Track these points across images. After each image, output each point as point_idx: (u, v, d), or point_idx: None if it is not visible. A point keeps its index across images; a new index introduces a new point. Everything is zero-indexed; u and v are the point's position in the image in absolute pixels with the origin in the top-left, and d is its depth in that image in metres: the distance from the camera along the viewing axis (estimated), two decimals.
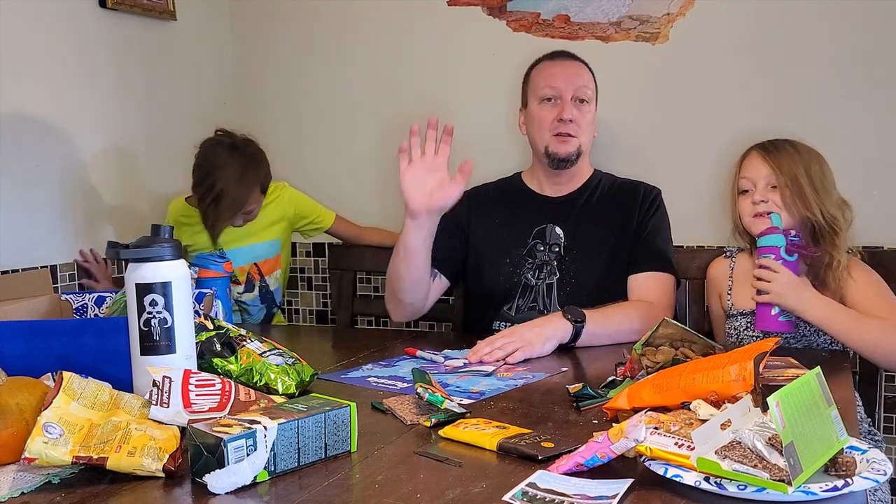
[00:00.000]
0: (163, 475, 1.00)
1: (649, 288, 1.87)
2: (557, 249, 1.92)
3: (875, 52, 2.15)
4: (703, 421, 0.99)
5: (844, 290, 1.78)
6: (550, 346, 1.67)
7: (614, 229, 1.93)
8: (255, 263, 2.34)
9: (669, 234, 2.00)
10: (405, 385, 1.42)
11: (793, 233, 1.73)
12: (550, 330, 1.68)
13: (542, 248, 1.93)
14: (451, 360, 1.63)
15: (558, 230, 1.95)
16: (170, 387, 1.11)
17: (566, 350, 1.71)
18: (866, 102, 2.16)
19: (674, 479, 0.92)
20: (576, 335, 1.70)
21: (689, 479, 0.91)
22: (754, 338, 1.83)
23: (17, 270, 1.98)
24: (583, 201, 1.98)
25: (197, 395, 1.13)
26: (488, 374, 1.51)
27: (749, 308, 1.84)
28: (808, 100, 2.21)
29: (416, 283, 1.89)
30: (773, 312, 1.72)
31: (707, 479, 0.90)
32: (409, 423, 1.20)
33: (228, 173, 2.12)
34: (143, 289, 1.19)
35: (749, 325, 1.85)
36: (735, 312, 1.89)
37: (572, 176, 2.00)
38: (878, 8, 2.14)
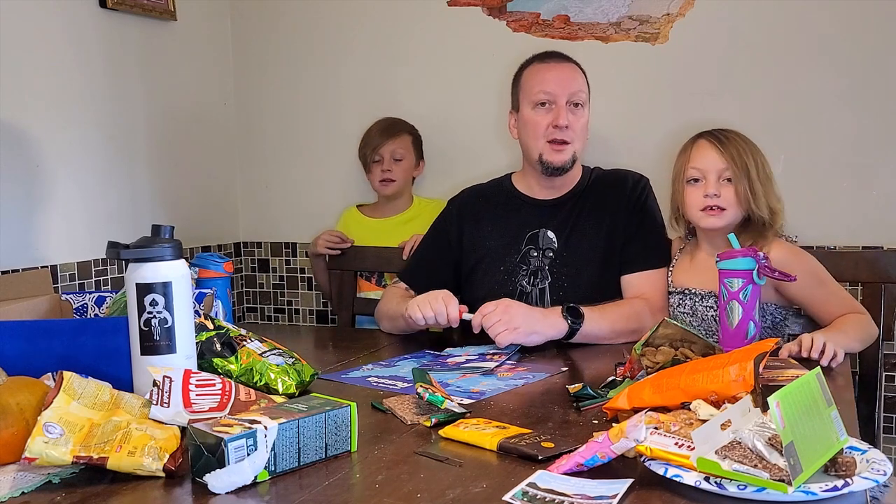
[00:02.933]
0: (163, 475, 1.00)
1: (643, 288, 1.85)
2: (551, 254, 1.90)
3: (874, 51, 2.16)
4: (703, 421, 0.99)
5: (777, 283, 1.74)
6: (535, 340, 1.68)
7: (605, 230, 1.89)
8: None
9: (660, 224, 1.94)
10: (405, 385, 1.42)
11: (762, 255, 1.59)
12: (542, 325, 1.69)
13: (535, 254, 1.89)
14: (453, 357, 1.64)
15: (551, 234, 1.91)
16: (170, 387, 1.12)
17: (566, 350, 1.71)
18: (866, 102, 2.17)
19: (674, 479, 0.92)
20: (571, 334, 1.71)
21: (690, 479, 0.91)
22: (686, 315, 1.82)
23: (17, 270, 1.98)
24: (574, 203, 1.93)
25: (197, 395, 1.13)
26: (489, 374, 1.51)
27: (682, 287, 1.84)
28: (807, 99, 2.22)
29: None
30: (747, 337, 1.59)
31: (707, 479, 0.90)
32: (409, 422, 1.20)
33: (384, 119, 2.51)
34: (144, 289, 1.19)
35: (681, 302, 1.85)
36: (672, 289, 1.89)
37: (565, 180, 1.94)
38: (877, 8, 2.14)
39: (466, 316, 1.70)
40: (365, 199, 2.62)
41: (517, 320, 1.65)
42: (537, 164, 1.89)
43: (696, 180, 1.79)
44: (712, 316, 1.77)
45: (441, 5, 2.53)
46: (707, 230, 1.80)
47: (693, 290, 1.81)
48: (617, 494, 0.91)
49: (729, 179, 1.76)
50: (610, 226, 1.89)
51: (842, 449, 0.93)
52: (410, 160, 2.47)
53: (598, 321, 1.74)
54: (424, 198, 2.52)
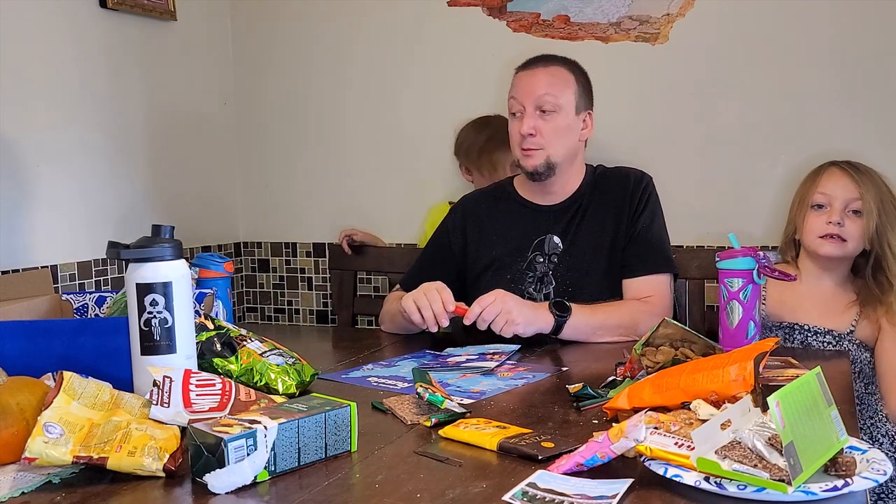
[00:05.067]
0: (163, 475, 1.00)
1: (643, 292, 1.84)
2: (556, 259, 1.89)
3: (874, 51, 2.16)
4: (703, 421, 0.99)
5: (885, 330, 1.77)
6: (531, 331, 1.69)
7: (609, 231, 1.88)
8: None
9: (662, 225, 1.92)
10: (405, 385, 1.42)
11: (762, 255, 1.59)
12: (533, 317, 1.70)
13: (541, 260, 1.88)
14: (453, 357, 1.64)
15: (556, 240, 1.89)
16: (170, 386, 1.11)
17: (566, 350, 1.71)
18: (865, 102, 2.17)
19: (674, 478, 0.92)
20: (557, 328, 1.72)
21: (689, 478, 0.91)
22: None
23: (17, 270, 1.98)
24: (577, 207, 1.92)
25: (197, 395, 1.13)
26: (489, 373, 1.51)
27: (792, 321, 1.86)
28: (807, 100, 2.22)
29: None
30: (747, 337, 1.60)
31: (707, 479, 0.90)
32: (409, 422, 1.20)
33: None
34: (144, 289, 1.19)
35: (788, 337, 1.86)
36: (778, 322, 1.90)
37: (562, 185, 1.92)
38: (877, 8, 2.14)
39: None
40: (355, 198, 2.62)
41: (514, 312, 1.67)
42: (523, 171, 1.90)
43: (821, 206, 1.78)
44: (861, 354, 1.81)
45: (441, 5, 2.53)
46: (823, 258, 1.79)
47: (806, 326, 1.82)
48: (617, 494, 0.91)
49: (857, 211, 1.76)
50: (613, 226, 1.88)
51: (842, 449, 0.93)
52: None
53: (588, 317, 1.74)
54: None
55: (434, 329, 1.69)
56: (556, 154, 1.86)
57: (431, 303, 1.68)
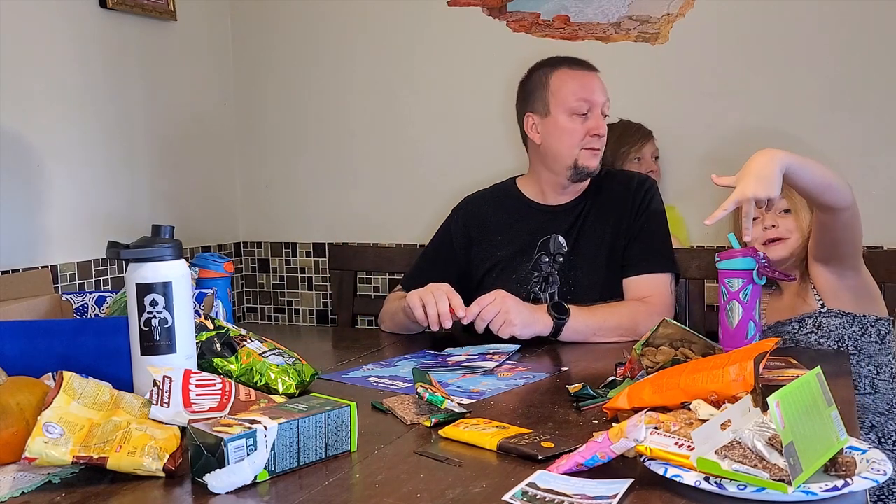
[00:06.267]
0: (163, 475, 1.00)
1: (642, 291, 1.84)
2: (561, 259, 1.89)
3: (874, 51, 2.16)
4: (703, 421, 0.99)
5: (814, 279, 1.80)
6: (528, 333, 1.69)
7: (610, 231, 1.89)
8: None
9: (664, 227, 1.93)
10: (405, 385, 1.42)
11: (762, 255, 1.58)
12: (532, 319, 1.70)
13: (547, 260, 1.88)
14: (453, 357, 1.64)
15: (561, 239, 1.90)
16: (170, 386, 1.11)
17: (566, 350, 1.71)
18: (865, 102, 2.17)
19: (674, 478, 0.92)
20: (556, 331, 1.72)
21: (689, 478, 0.91)
22: (811, 333, 1.83)
23: (17, 270, 1.98)
24: (582, 208, 1.93)
25: (197, 395, 1.13)
26: (489, 373, 1.51)
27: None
28: (806, 100, 2.22)
29: (419, 327, 1.90)
30: (747, 337, 1.58)
31: (707, 479, 0.90)
32: (409, 422, 1.20)
33: None
34: (144, 289, 1.19)
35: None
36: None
37: (581, 185, 1.94)
38: (876, 8, 2.14)
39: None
40: (355, 198, 2.62)
41: (512, 313, 1.67)
42: (568, 170, 1.89)
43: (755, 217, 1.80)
44: (839, 324, 1.80)
45: (441, 5, 2.53)
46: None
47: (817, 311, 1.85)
48: (617, 494, 0.91)
49: (787, 210, 1.84)
50: (615, 227, 1.89)
51: (842, 449, 0.93)
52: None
53: (586, 319, 1.74)
54: None
55: (435, 328, 1.70)
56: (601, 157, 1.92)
57: (438, 301, 1.68)
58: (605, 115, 1.91)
